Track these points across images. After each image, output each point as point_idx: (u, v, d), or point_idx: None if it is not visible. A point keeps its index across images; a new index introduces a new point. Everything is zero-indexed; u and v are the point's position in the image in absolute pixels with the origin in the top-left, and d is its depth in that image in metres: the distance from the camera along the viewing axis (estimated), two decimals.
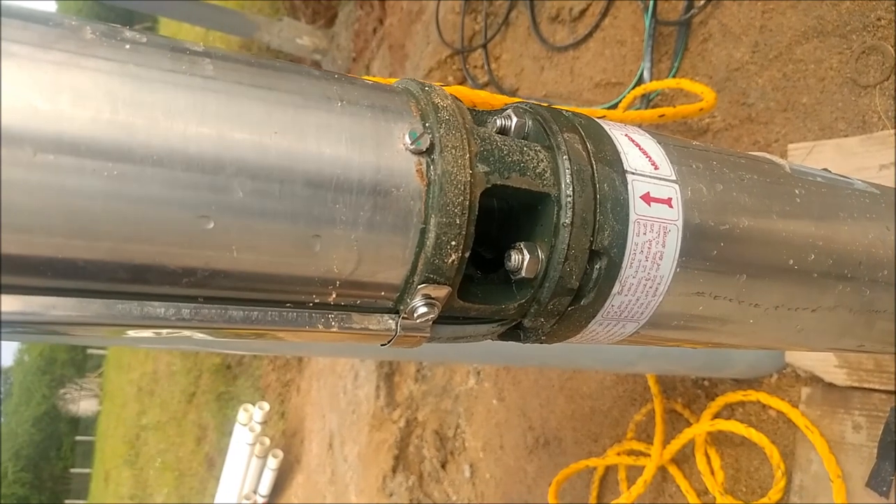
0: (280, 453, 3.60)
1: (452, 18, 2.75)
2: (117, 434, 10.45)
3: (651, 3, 1.70)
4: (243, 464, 3.69)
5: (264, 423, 3.71)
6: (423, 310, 0.45)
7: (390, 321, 0.46)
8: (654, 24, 1.72)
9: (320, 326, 0.44)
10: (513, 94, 2.29)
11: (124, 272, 0.39)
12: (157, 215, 0.38)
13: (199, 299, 0.42)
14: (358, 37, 3.67)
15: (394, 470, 2.43)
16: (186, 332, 0.43)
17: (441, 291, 0.45)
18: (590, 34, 1.99)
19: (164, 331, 0.43)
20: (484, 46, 2.50)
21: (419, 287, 0.45)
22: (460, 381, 2.23)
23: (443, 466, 2.23)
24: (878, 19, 1.28)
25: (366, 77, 0.67)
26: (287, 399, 3.83)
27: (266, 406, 3.75)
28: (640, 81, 1.73)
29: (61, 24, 0.39)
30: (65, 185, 0.36)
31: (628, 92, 1.68)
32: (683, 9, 1.66)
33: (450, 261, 0.44)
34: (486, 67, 2.48)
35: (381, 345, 0.48)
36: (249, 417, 3.67)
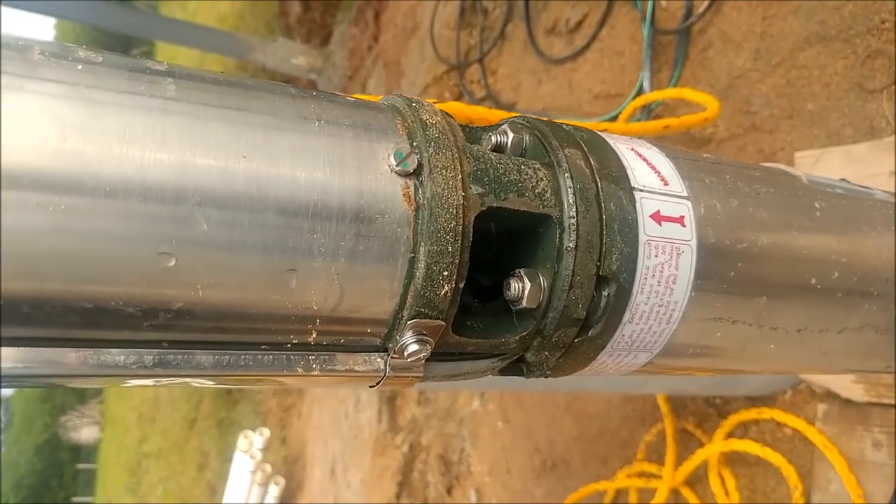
0: (282, 480, 3.52)
1: (447, 34, 2.72)
2: (119, 462, 10.34)
3: (649, 12, 1.67)
4: (244, 492, 3.61)
5: (265, 449, 3.64)
6: (414, 347, 0.41)
7: (378, 360, 0.42)
8: (652, 34, 1.69)
9: (300, 370, 0.40)
10: (511, 108, 2.26)
11: (76, 317, 0.35)
12: (111, 253, 0.34)
13: (164, 344, 0.38)
14: (353, 55, 3.66)
15: (398, 496, 2.37)
16: (151, 381, 0.39)
17: (434, 326, 0.41)
18: (587, 45, 1.96)
19: (128, 381, 0.38)
20: (480, 61, 2.48)
21: (409, 322, 0.40)
22: (464, 404, 2.17)
23: (448, 492, 2.17)
24: (882, 22, 1.25)
25: (356, 96, 0.63)
26: (288, 424, 3.77)
27: (266, 432, 3.68)
28: (640, 92, 1.69)
29: (6, 44, 0.35)
30: (5, 222, 0.32)
31: (628, 103, 1.65)
32: (682, 17, 1.63)
33: (442, 292, 0.40)
34: (482, 82, 2.46)
35: (370, 386, 0.43)
36: (250, 444, 3.60)
